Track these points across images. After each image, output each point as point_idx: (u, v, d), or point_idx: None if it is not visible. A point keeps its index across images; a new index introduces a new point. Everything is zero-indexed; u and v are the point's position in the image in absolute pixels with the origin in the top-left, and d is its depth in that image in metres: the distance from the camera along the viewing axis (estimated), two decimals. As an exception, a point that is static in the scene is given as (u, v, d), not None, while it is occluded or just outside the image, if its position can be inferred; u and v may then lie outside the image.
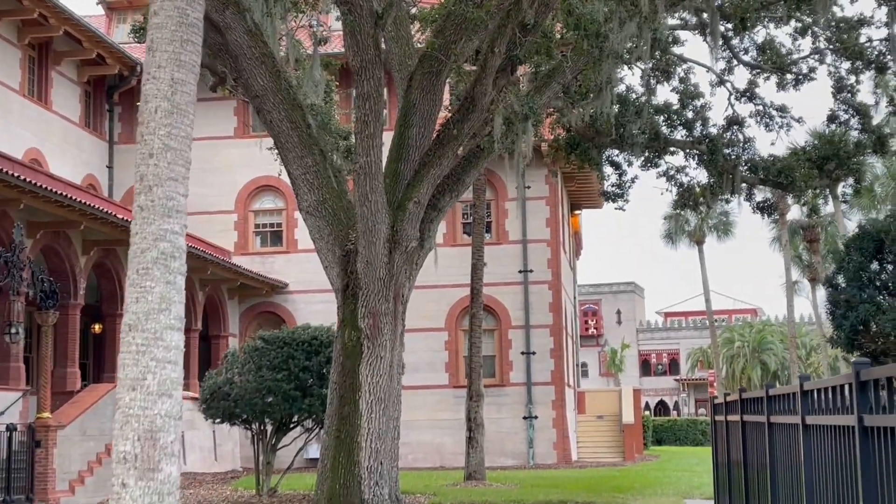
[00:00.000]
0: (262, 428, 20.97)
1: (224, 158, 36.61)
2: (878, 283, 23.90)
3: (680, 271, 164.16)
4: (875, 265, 24.57)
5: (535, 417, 34.99)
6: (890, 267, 24.27)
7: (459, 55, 15.02)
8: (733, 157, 22.02)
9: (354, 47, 14.37)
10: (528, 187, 36.08)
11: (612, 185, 21.89)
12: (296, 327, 21.30)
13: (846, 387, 6.29)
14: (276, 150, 15.59)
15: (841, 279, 24.16)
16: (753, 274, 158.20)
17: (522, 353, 35.45)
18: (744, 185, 22.39)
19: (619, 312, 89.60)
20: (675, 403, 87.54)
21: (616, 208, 22.20)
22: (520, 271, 35.82)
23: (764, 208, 22.72)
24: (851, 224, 51.67)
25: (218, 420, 20.91)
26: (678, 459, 37.90)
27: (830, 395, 6.84)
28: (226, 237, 36.57)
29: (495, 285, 35.12)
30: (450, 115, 15.55)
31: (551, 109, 21.46)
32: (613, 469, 31.69)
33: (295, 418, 20.90)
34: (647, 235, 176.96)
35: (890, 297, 23.59)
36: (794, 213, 55.45)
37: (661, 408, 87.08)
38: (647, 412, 66.16)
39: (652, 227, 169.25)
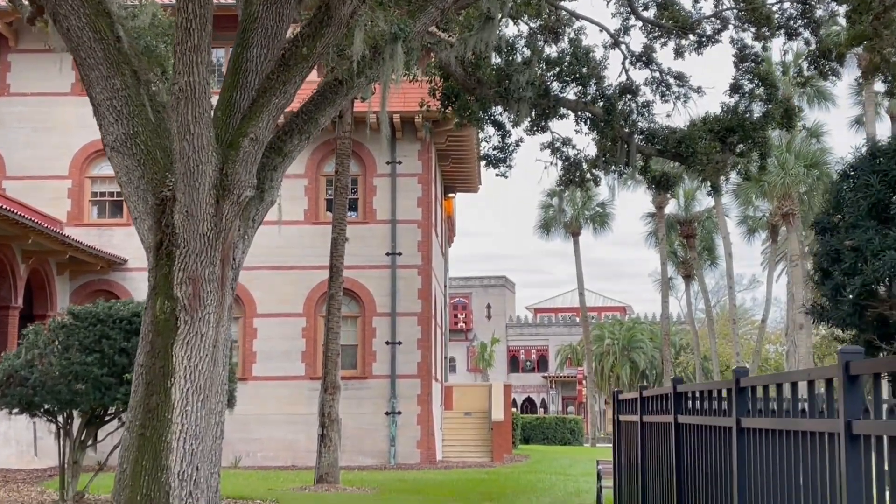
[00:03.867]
0: (68, 421, 17.51)
1: (58, 118, 32.58)
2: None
3: (551, 266, 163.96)
4: None
5: (399, 413, 32.12)
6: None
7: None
8: (629, 124, 19.57)
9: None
10: (400, 163, 33.22)
11: (495, 149, 19.16)
12: (113, 301, 17.88)
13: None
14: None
15: (839, 220, 16.39)
16: (623, 273, 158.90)
17: (387, 342, 32.55)
18: (639, 156, 19.98)
19: (489, 307, 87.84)
20: (543, 401, 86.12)
21: (498, 174, 19.49)
22: (387, 254, 32.92)
23: (660, 182, 20.34)
24: (732, 221, 50.56)
25: (15, 411, 17.34)
26: (549, 461, 35.57)
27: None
28: (58, 205, 32.59)
29: (360, 268, 32.15)
30: (300, 29, 12.47)
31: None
32: (482, 471, 29.07)
33: (111, 410, 17.53)
34: (520, 227, 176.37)
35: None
36: (672, 207, 54.18)
37: (529, 405, 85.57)
38: (514, 409, 64.26)
39: (526, 219, 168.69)
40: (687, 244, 55.32)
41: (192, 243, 11.65)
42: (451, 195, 42.39)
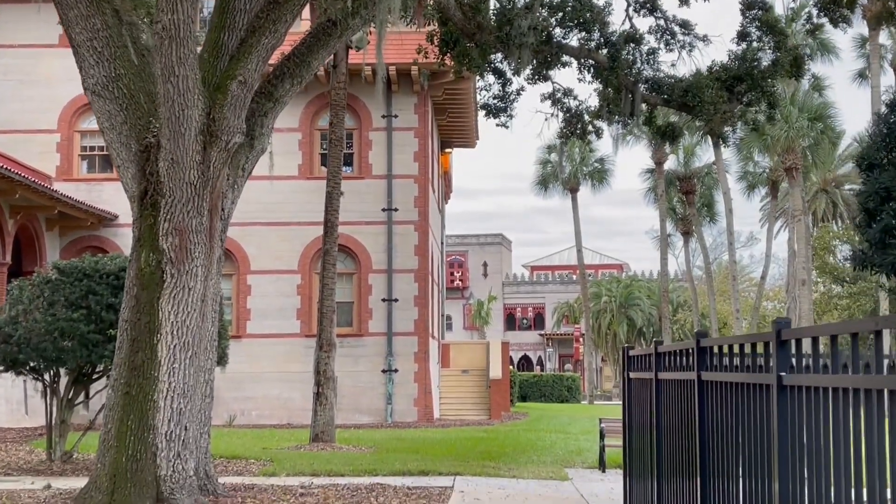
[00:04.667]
0: (55, 379, 16.99)
1: (45, 70, 31.77)
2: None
3: (546, 225, 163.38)
4: None
5: (395, 371, 31.67)
6: None
7: None
8: (634, 73, 18.88)
9: None
10: (396, 116, 32.50)
11: (495, 98, 18.47)
12: (100, 256, 17.26)
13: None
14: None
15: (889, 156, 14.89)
16: (618, 231, 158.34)
17: (384, 299, 32.02)
18: (644, 106, 19.32)
19: (485, 265, 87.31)
20: (539, 358, 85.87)
21: (498, 125, 18.81)
22: (383, 209, 32.29)
23: (665, 133, 19.68)
24: (731, 177, 49.95)
25: (0, 368, 16.80)
26: (548, 419, 35.19)
27: None
28: (47, 160, 31.88)
29: (355, 224, 31.54)
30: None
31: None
32: (480, 429, 28.66)
33: (99, 368, 16.99)
34: (515, 186, 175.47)
35: None
36: (671, 163, 53.57)
37: (525, 363, 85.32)
38: (511, 367, 63.81)
39: (522, 178, 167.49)
40: (686, 200, 54.71)
41: (178, 192, 11.06)
42: (447, 150, 41.68)
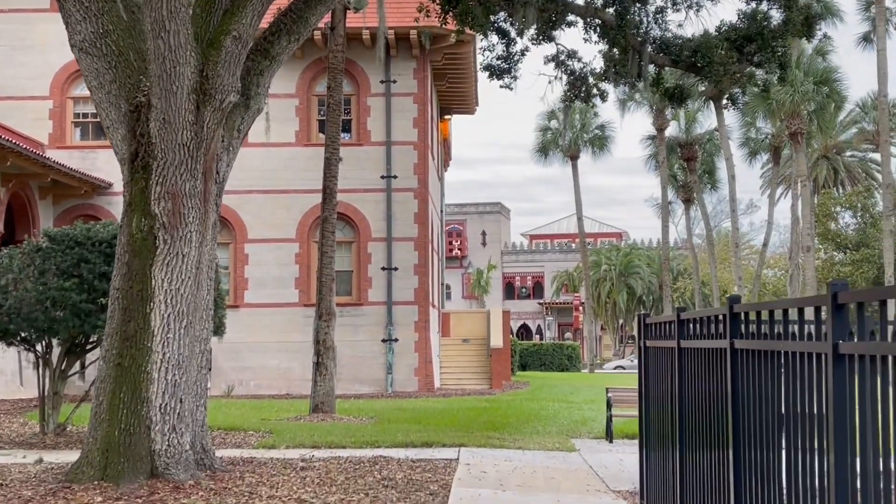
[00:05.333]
0: (48, 350, 16.53)
1: (39, 35, 31.10)
2: None
3: (544, 194, 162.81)
4: None
5: (396, 340, 31.26)
6: None
7: None
8: (641, 33, 18.31)
9: None
10: (394, 81, 31.90)
11: (499, 58, 17.90)
12: (92, 223, 16.75)
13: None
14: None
15: None
16: (616, 200, 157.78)
17: (383, 268, 31.56)
18: (651, 67, 18.76)
19: (483, 234, 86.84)
20: (538, 327, 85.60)
21: (502, 86, 18.25)
22: (382, 177, 31.75)
23: (673, 95, 19.12)
24: (733, 144, 49.34)
25: (-9, 339, 16.33)
26: (549, 388, 34.83)
27: None
28: (39, 127, 31.29)
29: (354, 192, 31.02)
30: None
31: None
32: (481, 398, 28.28)
33: (93, 338, 16.52)
34: (513, 156, 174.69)
35: None
36: (672, 129, 53.01)
37: (524, 331, 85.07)
38: (511, 336, 63.41)
39: (519, 147, 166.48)
40: (687, 167, 54.16)
41: (171, 154, 10.56)
42: (447, 117, 41.07)
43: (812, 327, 4.66)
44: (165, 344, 10.53)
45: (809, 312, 4.81)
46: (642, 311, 67.11)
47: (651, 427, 9.31)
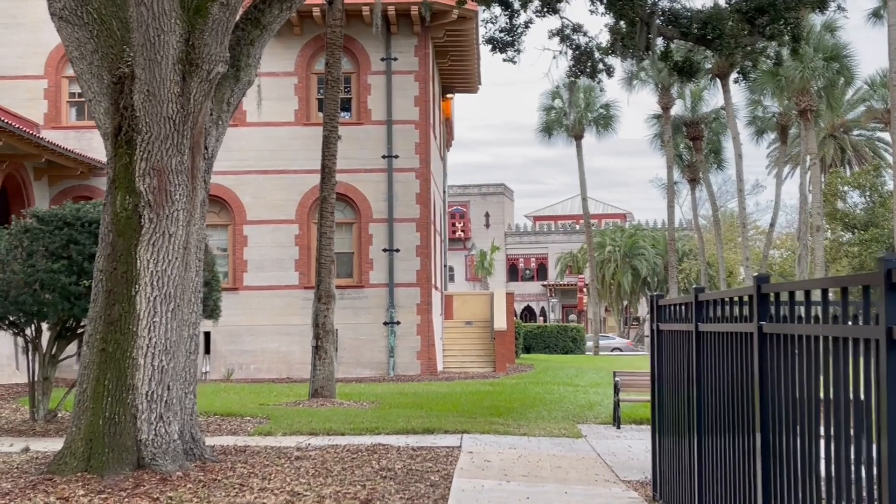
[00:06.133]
0: (37, 334, 16.02)
1: (31, 13, 30.44)
2: None
3: (546, 176, 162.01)
4: None
5: (398, 323, 30.74)
6: None
7: None
8: (649, 4, 17.71)
9: None
10: (395, 59, 31.26)
11: (501, 31, 17.30)
12: (82, 203, 16.21)
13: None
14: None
15: None
16: (619, 182, 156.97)
17: (384, 250, 31.00)
18: (660, 40, 18.17)
19: (487, 215, 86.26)
20: (542, 309, 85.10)
21: (505, 60, 17.68)
22: (383, 156, 31.15)
23: (683, 69, 18.53)
24: (739, 123, 48.66)
25: (-22, 323, 15.82)
26: (554, 371, 34.32)
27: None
28: (34, 107, 30.74)
29: (355, 172, 30.44)
30: None
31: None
32: (485, 382, 27.78)
33: (84, 322, 15.97)
34: (515, 138, 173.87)
35: None
36: (678, 108, 52.37)
37: (528, 313, 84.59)
38: (515, 318, 62.81)
39: (521, 129, 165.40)
40: (693, 147, 53.46)
41: (156, 128, 10.00)
42: (449, 96, 40.42)
43: (859, 309, 4.10)
44: (152, 328, 10.00)
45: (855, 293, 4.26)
46: (652, 293, 66.36)
47: (665, 413, 8.79)
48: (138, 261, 10.04)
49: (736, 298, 6.09)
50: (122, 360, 9.97)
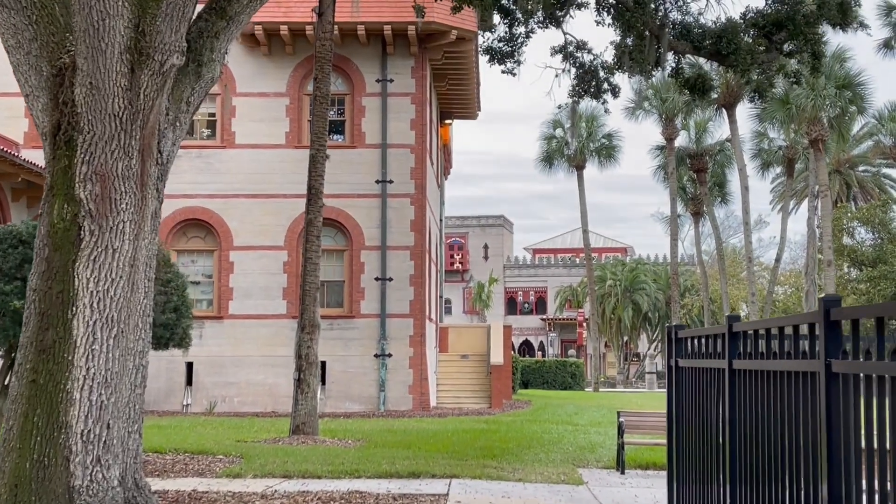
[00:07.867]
0: (-13, 362, 14.68)
1: (14, 27, 29.28)
2: None
3: (544, 211, 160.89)
4: None
5: (389, 355, 29.34)
6: None
7: None
8: (660, 16, 16.51)
9: None
10: (391, 80, 30.10)
11: (500, 40, 16.08)
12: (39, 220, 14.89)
13: None
14: None
15: None
16: (618, 217, 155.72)
17: (377, 278, 29.69)
18: (670, 55, 16.96)
19: (486, 247, 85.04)
20: (541, 343, 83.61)
21: (504, 72, 16.43)
22: (377, 181, 29.92)
23: (695, 86, 17.28)
24: (745, 156, 47.47)
25: (-77, 350, 14.47)
26: (553, 408, 32.89)
27: None
28: (13, 126, 29.60)
29: (347, 197, 29.22)
30: None
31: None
32: (480, 419, 26.35)
33: (40, 350, 14.62)
34: (517, 169, 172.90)
35: None
36: (682, 139, 51.28)
37: (526, 348, 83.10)
38: (513, 352, 61.16)
39: (520, 162, 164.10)
40: (697, 179, 52.26)
41: (99, 126, 8.70)
42: (447, 121, 39.26)
43: None
44: (90, 357, 8.65)
45: None
46: (654, 327, 64.06)
47: (684, 459, 7.43)
48: (76, 279, 8.71)
49: (788, 328, 4.76)
50: (54, 394, 8.61)
